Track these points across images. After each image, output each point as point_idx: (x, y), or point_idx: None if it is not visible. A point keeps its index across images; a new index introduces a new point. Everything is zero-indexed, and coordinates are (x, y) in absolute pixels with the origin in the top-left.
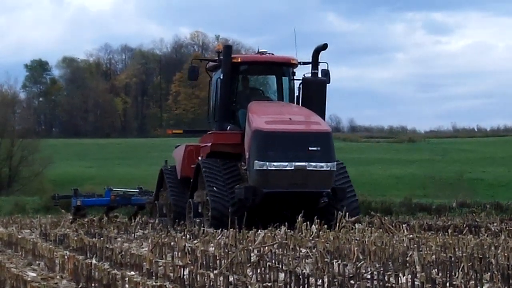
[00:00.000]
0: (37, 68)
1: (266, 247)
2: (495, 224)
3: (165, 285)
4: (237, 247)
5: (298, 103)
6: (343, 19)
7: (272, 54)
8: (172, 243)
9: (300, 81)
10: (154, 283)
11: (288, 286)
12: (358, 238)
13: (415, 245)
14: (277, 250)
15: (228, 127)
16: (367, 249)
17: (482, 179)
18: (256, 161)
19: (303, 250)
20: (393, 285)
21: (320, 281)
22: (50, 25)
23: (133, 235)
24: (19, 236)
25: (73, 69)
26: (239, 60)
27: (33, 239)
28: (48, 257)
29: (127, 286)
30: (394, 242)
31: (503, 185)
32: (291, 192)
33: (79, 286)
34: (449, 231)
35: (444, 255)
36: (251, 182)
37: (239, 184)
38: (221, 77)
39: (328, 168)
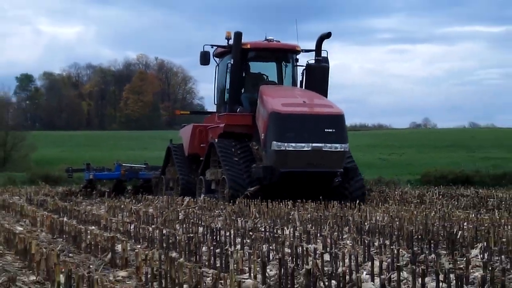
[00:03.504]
0: (25, 80)
1: (190, 209)
2: None
3: (117, 236)
4: (169, 208)
5: (301, 87)
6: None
7: (279, 41)
8: (122, 206)
9: (304, 67)
10: (108, 235)
11: (205, 236)
12: (255, 203)
13: (296, 207)
14: (198, 211)
15: (238, 109)
16: (262, 210)
17: None
18: (274, 142)
19: (217, 211)
20: (280, 235)
21: (228, 233)
22: (32, 48)
23: (94, 200)
24: (10, 201)
25: (51, 80)
26: (249, 47)
27: (21, 203)
28: (31, 216)
29: (89, 236)
30: (281, 205)
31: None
32: (307, 172)
33: (54, 237)
34: (320, 198)
35: (316, 214)
36: (268, 162)
37: (252, 163)
38: (232, 62)
39: (342, 149)
